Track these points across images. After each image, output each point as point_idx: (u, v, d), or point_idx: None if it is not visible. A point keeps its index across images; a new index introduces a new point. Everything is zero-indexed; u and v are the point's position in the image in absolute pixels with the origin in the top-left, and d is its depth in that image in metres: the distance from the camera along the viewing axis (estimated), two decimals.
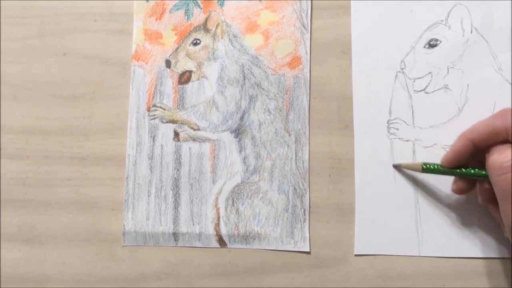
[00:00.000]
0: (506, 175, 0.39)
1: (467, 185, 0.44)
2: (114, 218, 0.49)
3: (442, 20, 0.49)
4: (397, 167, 0.47)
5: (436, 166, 0.45)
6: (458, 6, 0.48)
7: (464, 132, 0.43)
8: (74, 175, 0.50)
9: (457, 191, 0.45)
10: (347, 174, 0.48)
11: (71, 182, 0.50)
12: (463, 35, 0.48)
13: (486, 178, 0.42)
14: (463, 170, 0.44)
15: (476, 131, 0.42)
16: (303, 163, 0.48)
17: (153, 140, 0.50)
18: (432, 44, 0.48)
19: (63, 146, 0.50)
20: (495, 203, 0.42)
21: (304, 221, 0.48)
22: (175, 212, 0.49)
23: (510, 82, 0.47)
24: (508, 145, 0.41)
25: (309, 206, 0.48)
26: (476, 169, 0.43)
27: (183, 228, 0.48)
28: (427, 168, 0.45)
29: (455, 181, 0.45)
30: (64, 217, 0.49)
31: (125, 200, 0.49)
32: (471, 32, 0.48)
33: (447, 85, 0.48)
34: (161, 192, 0.49)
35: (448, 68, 0.48)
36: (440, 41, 0.48)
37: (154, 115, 0.50)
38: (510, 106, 0.47)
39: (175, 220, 0.49)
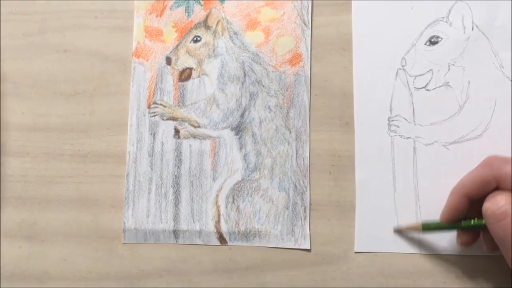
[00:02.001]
0: (500, 222, 0.39)
1: (472, 236, 0.44)
2: (115, 215, 0.49)
3: (443, 17, 0.48)
4: (398, 231, 0.47)
5: (436, 224, 0.44)
6: (459, 3, 0.48)
7: (456, 187, 0.43)
8: (74, 172, 0.50)
9: (463, 244, 0.45)
10: (348, 171, 0.48)
11: (71, 179, 0.50)
12: (464, 32, 0.48)
13: (483, 227, 0.42)
14: (463, 223, 0.43)
15: (467, 185, 0.42)
16: (303, 160, 0.48)
17: (154, 137, 0.50)
18: (433, 41, 0.48)
19: (63, 143, 0.50)
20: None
21: (305, 218, 0.48)
22: (175, 209, 0.49)
23: (511, 79, 0.47)
24: (498, 192, 0.41)
25: (310, 204, 0.48)
26: (476, 219, 0.42)
27: (183, 226, 0.48)
28: (428, 227, 0.45)
29: (458, 235, 0.45)
30: (65, 214, 0.50)
31: (125, 197, 0.49)
32: (472, 29, 0.48)
33: (448, 82, 0.48)
34: (161, 189, 0.49)
35: (449, 65, 0.48)
36: (441, 38, 0.48)
37: (155, 112, 0.50)
38: (511, 104, 0.47)
39: (176, 217, 0.49)
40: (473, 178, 0.42)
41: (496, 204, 0.40)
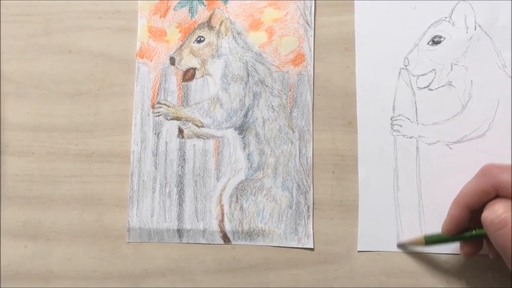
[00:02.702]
0: (500, 231, 0.39)
1: (474, 246, 0.44)
2: (119, 214, 0.49)
3: (445, 17, 0.49)
4: (401, 246, 0.47)
5: (439, 237, 0.44)
6: (462, 3, 0.48)
7: (456, 199, 0.43)
8: (79, 172, 0.50)
9: (466, 255, 0.45)
10: (351, 171, 0.48)
11: (76, 179, 0.50)
12: (466, 32, 0.48)
13: (485, 237, 0.42)
14: (465, 234, 0.43)
15: (467, 196, 0.42)
16: (306, 160, 0.49)
17: (158, 137, 0.50)
18: (435, 41, 0.48)
19: (68, 143, 0.51)
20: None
21: (308, 217, 0.48)
22: (179, 208, 0.49)
23: None
24: (496, 201, 0.41)
25: (313, 203, 0.48)
26: (477, 229, 0.43)
27: (187, 225, 0.49)
28: (430, 241, 0.45)
29: (462, 246, 0.45)
30: (69, 213, 0.50)
31: (129, 197, 0.49)
32: (475, 29, 0.48)
33: (450, 82, 0.48)
34: (165, 188, 0.49)
35: (451, 65, 0.48)
36: (444, 38, 0.48)
37: (159, 112, 0.50)
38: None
39: (180, 216, 0.49)
40: (472, 189, 0.42)
41: (494, 212, 0.40)
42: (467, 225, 0.43)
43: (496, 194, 0.41)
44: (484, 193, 0.41)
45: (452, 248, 0.46)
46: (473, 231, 0.43)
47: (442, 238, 0.44)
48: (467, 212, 0.42)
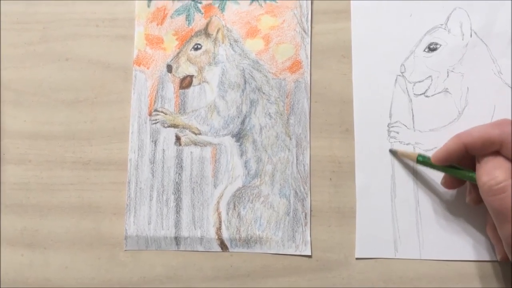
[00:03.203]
0: (496, 197, 0.39)
1: (456, 182, 0.45)
2: (116, 222, 0.49)
3: (441, 24, 0.49)
4: (393, 152, 0.48)
5: (430, 161, 0.45)
6: (458, 10, 0.49)
7: (459, 134, 0.43)
8: (76, 180, 0.50)
9: (444, 185, 0.45)
10: (348, 178, 0.48)
11: (73, 187, 0.50)
12: (462, 39, 0.48)
13: (474, 182, 0.42)
14: (454, 169, 0.44)
15: (471, 136, 0.42)
16: (304, 167, 0.49)
17: (155, 145, 0.50)
18: (432, 48, 0.49)
19: (65, 151, 0.51)
20: (482, 206, 0.42)
21: (306, 224, 0.48)
22: (176, 216, 0.49)
23: (510, 85, 0.47)
24: (497, 164, 0.40)
25: (310, 210, 0.48)
26: (466, 171, 0.43)
27: (184, 232, 0.49)
28: (422, 161, 0.45)
29: (444, 177, 0.45)
30: (67, 221, 0.50)
31: (127, 205, 0.49)
32: (471, 36, 0.48)
33: (447, 88, 0.48)
34: (162, 196, 0.49)
35: (448, 72, 0.48)
36: (440, 45, 0.48)
37: (156, 119, 0.50)
38: (510, 109, 0.47)
39: (177, 224, 0.49)
40: (480, 133, 0.41)
41: (494, 179, 0.39)
42: (457, 162, 0.43)
43: (498, 148, 0.40)
44: (489, 142, 0.41)
45: (450, 254, 0.46)
46: (469, 173, 0.43)
47: (434, 164, 0.44)
48: (463, 150, 0.42)
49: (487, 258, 0.46)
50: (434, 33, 0.49)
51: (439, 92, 0.48)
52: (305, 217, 0.48)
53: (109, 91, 0.51)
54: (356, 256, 0.47)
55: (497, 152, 0.41)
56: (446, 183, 0.45)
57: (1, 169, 0.51)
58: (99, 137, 0.51)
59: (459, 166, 0.44)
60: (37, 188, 0.50)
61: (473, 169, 0.42)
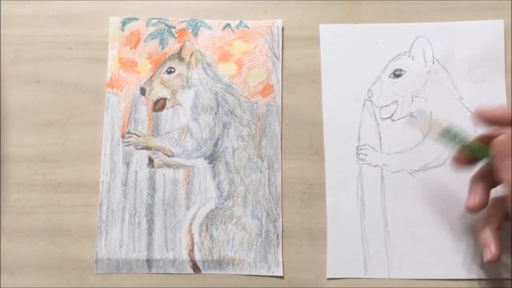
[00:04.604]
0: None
1: (466, 162, 0.44)
2: (87, 245, 0.49)
3: (406, 52, 0.51)
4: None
5: (455, 134, 0.44)
6: (420, 39, 0.51)
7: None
8: (46, 202, 0.50)
9: (455, 162, 0.44)
10: (319, 199, 0.50)
11: (43, 209, 0.49)
12: (425, 66, 0.51)
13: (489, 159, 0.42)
14: (475, 144, 0.43)
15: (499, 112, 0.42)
16: (275, 188, 0.50)
17: (127, 167, 0.50)
18: (397, 74, 0.51)
19: (35, 173, 0.50)
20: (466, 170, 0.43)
21: (277, 245, 0.49)
22: (149, 238, 0.49)
23: (471, 110, 0.50)
24: None
25: (282, 231, 0.49)
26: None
27: (156, 255, 0.48)
28: (445, 133, 0.44)
29: (458, 153, 0.44)
30: (35, 245, 0.49)
31: (98, 227, 0.49)
32: (433, 63, 0.51)
33: (412, 113, 0.50)
34: (135, 218, 0.49)
35: (412, 97, 0.50)
36: (405, 71, 0.51)
37: (129, 141, 0.50)
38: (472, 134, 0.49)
39: (149, 246, 0.49)
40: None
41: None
42: (493, 125, 0.43)
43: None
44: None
45: (419, 273, 0.47)
46: (488, 148, 0.42)
47: (456, 137, 0.43)
48: (506, 118, 0.42)
49: (455, 276, 0.47)
50: (399, 60, 0.51)
51: (405, 116, 0.50)
52: (277, 238, 0.49)
53: (81, 113, 0.51)
54: (328, 276, 0.48)
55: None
56: (458, 160, 0.44)
57: None
58: (70, 159, 0.50)
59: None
60: (5, 211, 0.49)
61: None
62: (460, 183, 0.48)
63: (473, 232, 0.48)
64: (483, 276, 0.47)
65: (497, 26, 0.51)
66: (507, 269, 0.47)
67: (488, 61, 0.50)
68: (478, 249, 0.47)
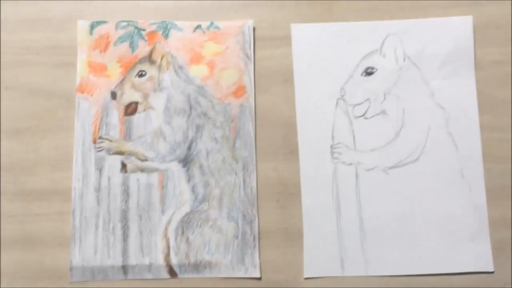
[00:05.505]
0: None
1: None
2: (61, 253, 0.48)
3: (377, 49, 0.51)
4: None
5: None
6: (391, 37, 0.51)
7: None
8: (18, 211, 0.49)
9: None
10: (294, 199, 0.50)
11: (14, 219, 0.49)
12: (396, 63, 0.51)
13: None
14: None
15: None
16: (251, 190, 0.49)
17: (100, 172, 0.49)
18: (369, 72, 0.51)
19: (6, 182, 0.49)
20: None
21: (254, 247, 0.48)
22: (124, 244, 0.48)
23: (442, 106, 0.50)
24: None
25: (259, 232, 0.49)
26: None
27: (132, 260, 0.48)
28: None
29: None
30: (8, 255, 0.48)
31: (72, 235, 0.48)
32: (404, 60, 0.51)
33: (384, 110, 0.50)
34: (109, 224, 0.48)
35: (384, 94, 0.51)
36: (376, 69, 0.51)
37: (101, 147, 0.50)
38: (444, 130, 0.49)
39: (124, 252, 0.48)
40: None
41: None
42: None
43: None
44: None
45: (395, 269, 0.48)
46: None
47: None
48: None
49: (432, 271, 0.48)
50: (370, 58, 0.51)
51: (377, 114, 0.50)
52: (254, 240, 0.49)
53: (52, 120, 0.50)
54: (305, 276, 0.48)
55: None
56: None
57: None
58: (41, 166, 0.50)
59: None
60: None
61: None
62: (434, 178, 0.49)
63: (448, 226, 0.48)
64: (461, 270, 0.48)
65: (466, 22, 0.51)
66: (486, 263, 0.48)
67: (458, 57, 0.51)
68: (454, 243, 0.48)
